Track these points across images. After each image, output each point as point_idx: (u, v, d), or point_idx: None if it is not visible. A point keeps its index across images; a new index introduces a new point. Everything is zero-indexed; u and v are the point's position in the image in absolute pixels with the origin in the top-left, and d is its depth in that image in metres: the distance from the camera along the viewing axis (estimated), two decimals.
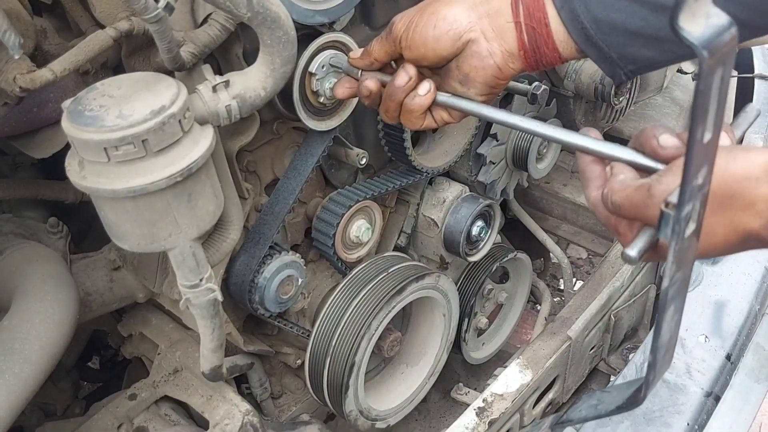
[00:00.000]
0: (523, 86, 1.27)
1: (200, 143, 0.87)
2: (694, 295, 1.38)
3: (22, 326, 0.93)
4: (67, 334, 0.97)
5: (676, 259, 0.63)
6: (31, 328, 0.93)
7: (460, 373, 2.12)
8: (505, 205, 1.94)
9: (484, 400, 1.48)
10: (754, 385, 1.11)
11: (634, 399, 0.75)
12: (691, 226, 0.63)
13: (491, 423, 1.44)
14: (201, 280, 0.95)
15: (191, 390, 1.29)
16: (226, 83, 0.91)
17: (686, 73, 2.06)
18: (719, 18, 0.54)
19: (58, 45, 1.06)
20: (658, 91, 1.75)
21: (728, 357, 1.25)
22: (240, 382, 1.44)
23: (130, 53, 0.99)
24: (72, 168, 0.85)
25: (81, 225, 1.37)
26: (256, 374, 1.40)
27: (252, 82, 0.93)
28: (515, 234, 2.08)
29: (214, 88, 0.90)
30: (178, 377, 1.31)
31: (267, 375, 1.45)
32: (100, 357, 2.21)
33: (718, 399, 1.16)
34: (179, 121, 0.83)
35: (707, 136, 0.58)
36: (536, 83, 1.27)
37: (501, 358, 1.97)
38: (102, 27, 0.93)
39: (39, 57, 1.03)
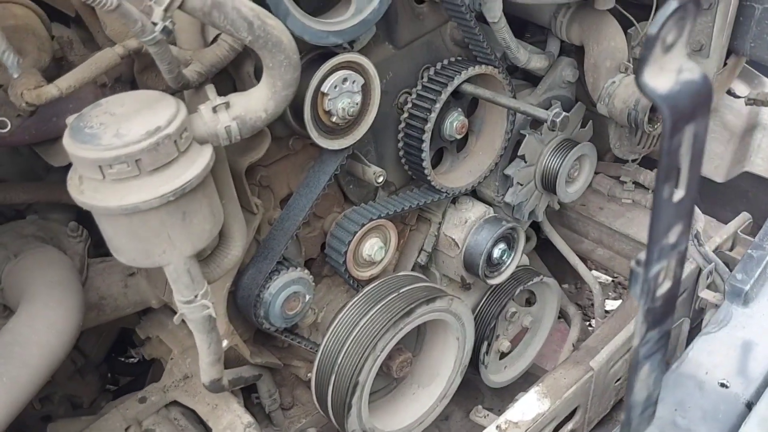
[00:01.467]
0: (543, 112, 1.25)
1: (197, 163, 0.88)
2: (720, 336, 1.31)
3: (24, 330, 0.97)
4: (68, 342, 1.00)
5: (646, 318, 0.60)
6: (32, 333, 0.96)
7: (485, 393, 2.09)
8: (538, 227, 1.89)
9: (497, 427, 1.45)
10: None
11: None
12: (665, 285, 0.60)
13: None
14: (196, 297, 0.96)
15: (198, 397, 1.31)
16: (227, 104, 0.92)
17: (738, 97, 1.97)
18: (692, 73, 0.51)
19: (83, 56, 1.09)
20: None
21: (749, 405, 1.19)
22: (251, 391, 1.45)
23: (142, 69, 1.01)
24: (73, 183, 0.87)
25: None
26: (265, 385, 1.41)
27: (253, 104, 0.93)
28: (550, 254, 2.03)
29: (215, 109, 0.91)
30: (188, 383, 1.34)
31: (278, 386, 1.46)
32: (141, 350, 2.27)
33: None
34: (174, 141, 0.84)
35: (678, 195, 0.54)
36: (557, 110, 1.24)
37: (527, 381, 1.93)
38: (114, 44, 0.95)
39: (66, 67, 1.07)
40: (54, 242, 1.21)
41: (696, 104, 0.51)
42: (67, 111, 1.08)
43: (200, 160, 0.88)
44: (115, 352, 2.03)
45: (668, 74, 0.50)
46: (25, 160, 1.47)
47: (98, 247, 1.38)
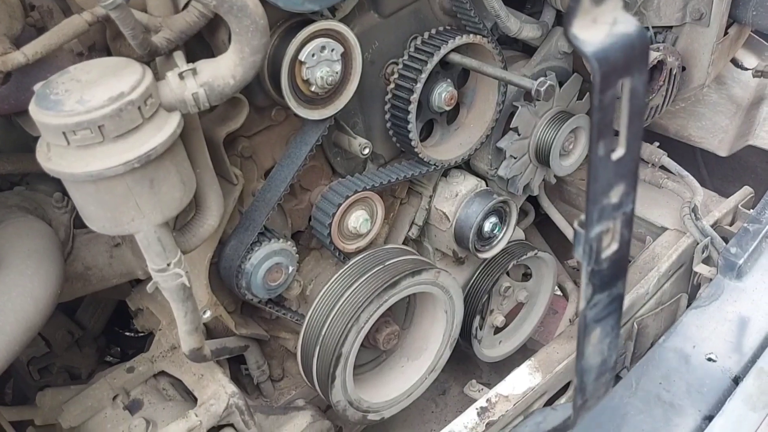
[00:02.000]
0: (528, 81, 1.22)
1: (163, 130, 0.87)
2: (710, 309, 1.29)
3: (0, 298, 0.97)
4: (44, 310, 1.01)
5: (591, 280, 0.58)
6: (7, 300, 0.97)
7: (483, 368, 2.09)
8: (536, 201, 1.87)
9: (488, 400, 1.45)
10: (749, 413, 1.03)
11: (566, 422, 0.71)
12: (612, 247, 0.58)
13: (489, 424, 1.40)
14: (168, 265, 0.96)
15: (185, 368, 1.32)
16: (194, 71, 0.91)
17: (747, 69, 1.92)
18: (627, 25, 0.49)
19: None
20: (701, 88, 1.64)
21: (736, 380, 1.17)
22: (240, 362, 1.46)
23: (114, 37, 1.00)
24: (41, 150, 0.88)
25: None
26: (253, 357, 1.42)
27: (221, 71, 0.92)
28: (552, 230, 2.01)
29: (181, 75, 0.90)
30: (174, 354, 1.35)
31: (268, 358, 1.47)
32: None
33: None
34: (138, 107, 0.84)
35: (618, 153, 0.53)
36: (541, 79, 1.21)
37: (527, 356, 1.92)
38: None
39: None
40: (39, 213, 1.22)
41: (630, 58, 0.49)
42: (44, 79, 1.09)
43: (166, 128, 0.88)
44: (119, 325, 2.06)
45: (600, 26, 0.49)
46: (20, 134, 1.48)
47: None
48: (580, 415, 0.68)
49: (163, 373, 1.37)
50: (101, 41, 1.03)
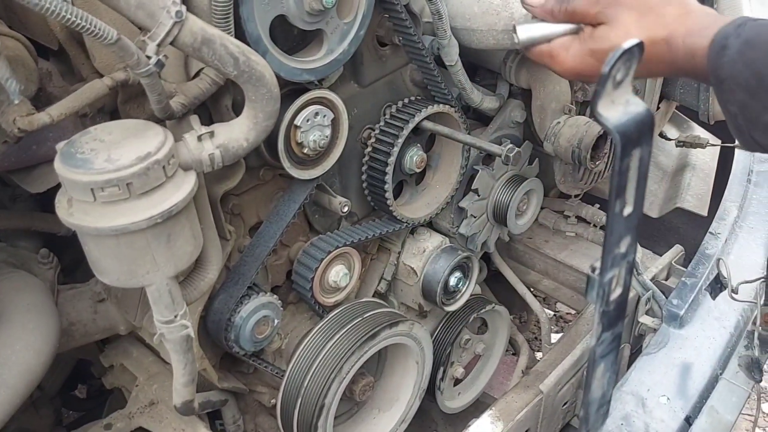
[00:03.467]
0: (497, 147, 1.35)
1: (182, 188, 0.93)
2: (659, 356, 1.42)
3: (3, 352, 0.98)
4: (45, 363, 1.02)
5: (602, 320, 0.68)
6: (11, 354, 0.98)
7: (438, 421, 2.14)
8: (489, 259, 1.99)
9: None
10: None
11: None
12: (617, 291, 0.68)
13: None
14: (176, 317, 1.00)
15: (165, 423, 1.33)
16: (211, 133, 0.98)
17: (670, 140, 2.13)
18: (637, 106, 0.61)
19: (61, 88, 1.14)
20: None
21: (688, 420, 1.29)
22: (214, 418, 1.47)
23: (126, 100, 1.06)
24: (61, 205, 0.91)
25: (72, 257, 1.42)
26: (230, 411, 1.44)
27: (235, 134, 1.00)
28: (500, 287, 2.13)
29: (200, 138, 0.97)
30: (153, 410, 1.35)
31: (241, 413, 1.49)
32: (87, 386, 2.25)
33: None
34: (163, 166, 0.90)
35: (627, 210, 0.64)
36: (510, 146, 1.34)
37: (478, 408, 2.00)
38: (100, 76, 1.00)
39: (42, 97, 1.11)
40: (24, 269, 1.23)
41: (641, 132, 0.60)
42: (47, 140, 1.12)
43: (185, 186, 0.94)
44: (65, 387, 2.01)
45: (618, 106, 0.60)
46: None
47: (67, 275, 1.40)
48: None
49: (140, 429, 1.36)
50: (111, 104, 1.08)
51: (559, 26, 1.06)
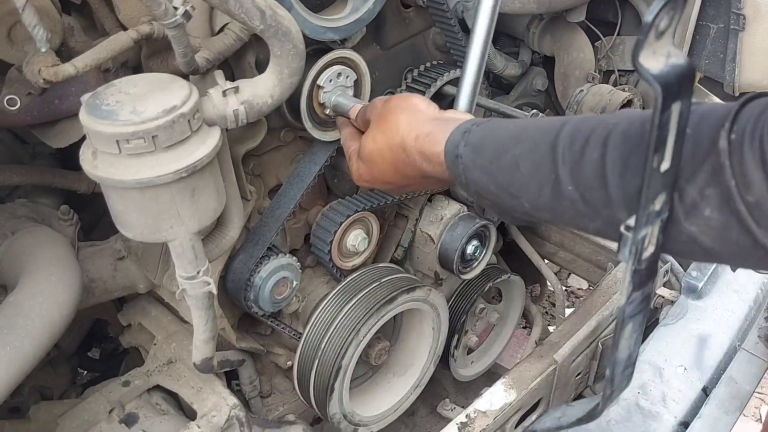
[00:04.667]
0: (521, 113, 1.33)
1: (207, 143, 0.92)
2: (677, 327, 1.42)
3: (27, 303, 0.99)
4: (67, 315, 1.02)
5: (633, 279, 0.67)
6: (35, 305, 0.99)
7: (449, 389, 2.16)
8: (504, 229, 1.98)
9: (467, 416, 1.52)
10: (723, 416, 1.14)
11: (592, 413, 0.80)
12: (650, 249, 0.68)
13: None
14: (198, 273, 1.00)
15: (183, 381, 1.33)
16: (236, 89, 0.97)
17: None
18: (678, 58, 0.59)
19: (83, 43, 1.13)
20: None
21: (705, 390, 1.29)
22: (230, 378, 1.48)
23: (149, 55, 1.05)
24: (86, 157, 0.91)
25: (91, 215, 1.43)
26: (246, 371, 1.45)
27: (260, 90, 0.99)
28: (513, 258, 2.12)
29: (224, 93, 0.96)
30: (171, 368, 1.36)
31: (258, 374, 1.50)
32: (101, 348, 2.27)
33: None
34: (188, 120, 0.89)
35: (665, 166, 0.62)
36: (534, 111, 1.32)
37: (490, 379, 2.01)
38: (125, 29, 0.99)
39: (64, 53, 1.10)
40: (45, 224, 1.23)
41: (682, 84, 0.59)
42: (70, 94, 1.12)
43: (210, 141, 0.93)
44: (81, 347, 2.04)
45: (659, 57, 0.58)
46: (7, 148, 1.48)
47: (85, 233, 1.40)
48: (607, 405, 0.77)
49: (156, 388, 1.38)
50: (134, 59, 1.07)
51: None
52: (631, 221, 0.65)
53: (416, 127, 0.92)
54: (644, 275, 0.69)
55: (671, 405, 1.24)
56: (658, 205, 0.64)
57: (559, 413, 0.88)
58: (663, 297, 1.60)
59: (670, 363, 1.33)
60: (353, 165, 1.05)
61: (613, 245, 1.90)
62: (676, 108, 0.60)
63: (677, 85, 0.59)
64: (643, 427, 1.21)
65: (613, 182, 0.68)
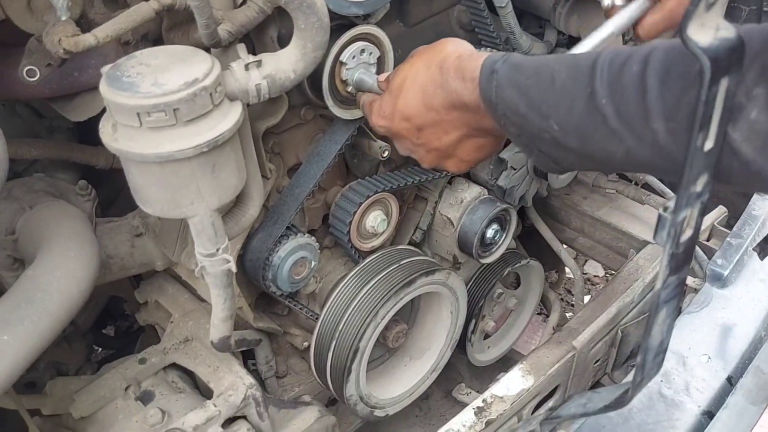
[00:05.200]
0: None
1: (228, 117, 0.90)
2: (701, 315, 1.39)
3: (44, 277, 0.98)
4: (85, 291, 1.01)
5: (670, 263, 0.65)
6: (52, 280, 0.98)
7: (464, 374, 2.14)
8: (523, 215, 1.95)
9: (483, 401, 1.51)
10: (750, 407, 1.12)
11: (620, 400, 0.78)
12: (688, 232, 0.65)
13: (488, 423, 1.46)
14: (217, 250, 0.98)
15: (199, 360, 1.32)
16: (258, 63, 0.94)
17: None
18: (728, 31, 0.57)
19: (103, 15, 1.10)
20: None
21: (729, 379, 1.26)
22: (247, 358, 1.47)
23: (170, 27, 1.03)
24: (105, 130, 0.89)
25: (109, 191, 1.42)
26: (263, 351, 1.44)
27: (283, 64, 0.96)
28: (532, 243, 2.10)
29: (247, 67, 0.94)
30: (188, 346, 1.35)
31: (274, 354, 1.49)
32: (116, 326, 2.28)
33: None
34: (210, 94, 0.87)
35: (708, 145, 0.60)
36: None
37: (505, 364, 1.99)
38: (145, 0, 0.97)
39: (84, 24, 1.08)
40: (63, 199, 1.21)
41: (731, 59, 0.56)
42: (89, 66, 1.10)
43: (231, 115, 0.91)
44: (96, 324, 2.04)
45: (708, 30, 0.56)
46: (24, 123, 1.47)
47: (103, 209, 1.39)
48: (636, 392, 0.75)
49: (172, 365, 1.37)
50: (155, 31, 1.05)
51: None
52: (671, 202, 0.62)
53: (461, 50, 0.93)
54: (681, 259, 0.66)
55: (695, 394, 1.22)
56: (699, 186, 0.62)
57: (584, 399, 0.86)
58: (686, 285, 1.57)
59: (694, 351, 1.31)
60: (374, 106, 1.03)
61: (636, 231, 1.86)
62: (723, 83, 0.57)
63: (726, 60, 0.56)
64: (666, 415, 1.18)
65: (653, 92, 0.65)
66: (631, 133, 0.67)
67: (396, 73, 1.00)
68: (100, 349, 2.19)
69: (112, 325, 2.27)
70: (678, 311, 0.72)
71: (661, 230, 0.64)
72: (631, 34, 1.28)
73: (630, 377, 1.31)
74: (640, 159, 0.68)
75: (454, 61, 0.90)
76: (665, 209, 0.63)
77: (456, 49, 0.94)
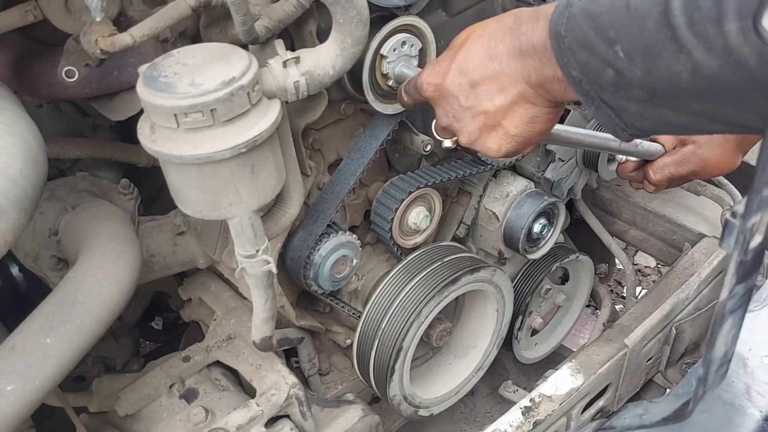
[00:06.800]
0: None
1: (267, 116, 0.88)
2: (762, 314, 1.32)
3: (87, 280, 0.98)
4: (127, 293, 1.01)
5: (737, 271, 0.60)
6: (95, 282, 0.97)
7: (511, 370, 2.10)
8: (571, 205, 1.89)
9: (531, 400, 1.46)
10: None
11: (680, 412, 0.73)
12: (757, 239, 0.60)
13: (536, 423, 1.42)
14: (257, 251, 0.97)
15: (242, 358, 1.32)
16: (297, 59, 0.92)
17: None
18: None
19: (142, 12, 1.09)
20: None
21: None
22: (290, 355, 1.46)
23: (208, 24, 1.01)
24: (143, 131, 0.88)
25: (151, 189, 1.42)
26: (305, 349, 1.42)
27: (322, 60, 0.94)
28: (580, 236, 2.03)
29: (285, 64, 0.91)
30: (231, 344, 1.35)
31: (316, 351, 1.47)
32: (163, 318, 2.30)
33: None
34: (248, 93, 0.85)
35: None
36: None
37: (553, 361, 1.94)
38: None
39: (123, 22, 1.07)
40: (106, 199, 1.22)
41: None
42: (128, 65, 1.09)
43: (270, 114, 0.89)
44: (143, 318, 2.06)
45: None
46: (68, 120, 1.48)
47: (145, 207, 1.39)
48: (697, 404, 0.70)
49: (215, 363, 1.37)
50: (192, 28, 1.04)
51: None
52: (740, 207, 0.57)
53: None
54: (749, 267, 0.61)
55: (756, 398, 1.16)
56: None
57: (640, 410, 0.81)
58: None
59: (755, 353, 1.24)
60: (426, 70, 0.99)
61: (691, 223, 1.78)
62: None
63: None
64: (725, 420, 1.13)
65: None
66: (700, 42, 0.62)
67: (460, 34, 0.95)
68: (148, 342, 2.22)
69: (159, 318, 2.30)
70: (743, 320, 0.67)
71: (728, 236, 0.59)
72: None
73: (684, 384, 1.26)
74: (708, 75, 0.62)
75: (530, 10, 0.85)
76: (733, 214, 0.58)
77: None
